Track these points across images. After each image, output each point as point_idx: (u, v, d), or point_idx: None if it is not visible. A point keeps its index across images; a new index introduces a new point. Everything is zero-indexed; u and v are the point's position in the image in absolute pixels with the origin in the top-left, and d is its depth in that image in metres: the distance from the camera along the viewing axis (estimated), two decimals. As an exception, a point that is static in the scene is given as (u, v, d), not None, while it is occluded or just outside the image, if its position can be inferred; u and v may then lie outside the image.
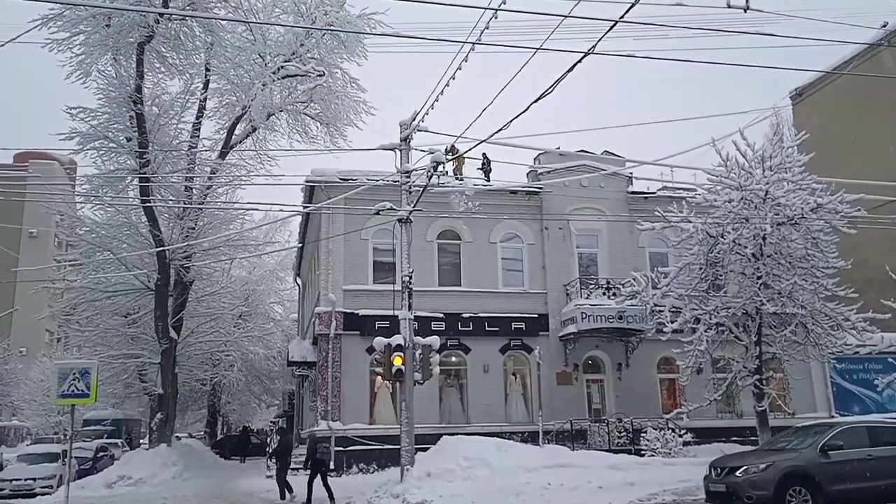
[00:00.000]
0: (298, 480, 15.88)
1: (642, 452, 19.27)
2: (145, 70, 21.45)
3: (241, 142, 23.85)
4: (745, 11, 8.89)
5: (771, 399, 17.37)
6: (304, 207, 23.23)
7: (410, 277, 15.48)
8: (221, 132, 23.78)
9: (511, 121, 10.94)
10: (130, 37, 20.69)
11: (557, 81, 9.21)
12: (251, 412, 47.06)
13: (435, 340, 15.49)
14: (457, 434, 17.46)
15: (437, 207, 20.86)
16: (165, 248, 21.61)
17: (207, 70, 22.88)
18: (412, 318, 15.33)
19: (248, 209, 24.91)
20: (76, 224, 27.01)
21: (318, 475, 15.05)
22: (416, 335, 15.26)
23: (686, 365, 17.71)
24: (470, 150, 15.97)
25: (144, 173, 20.95)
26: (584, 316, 21.53)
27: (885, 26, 24.77)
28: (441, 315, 21.76)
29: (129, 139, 21.50)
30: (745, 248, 16.21)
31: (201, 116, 23.26)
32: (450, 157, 17.32)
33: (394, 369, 14.48)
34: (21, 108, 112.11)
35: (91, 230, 24.89)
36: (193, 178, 22.74)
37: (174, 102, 22.28)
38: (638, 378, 22.80)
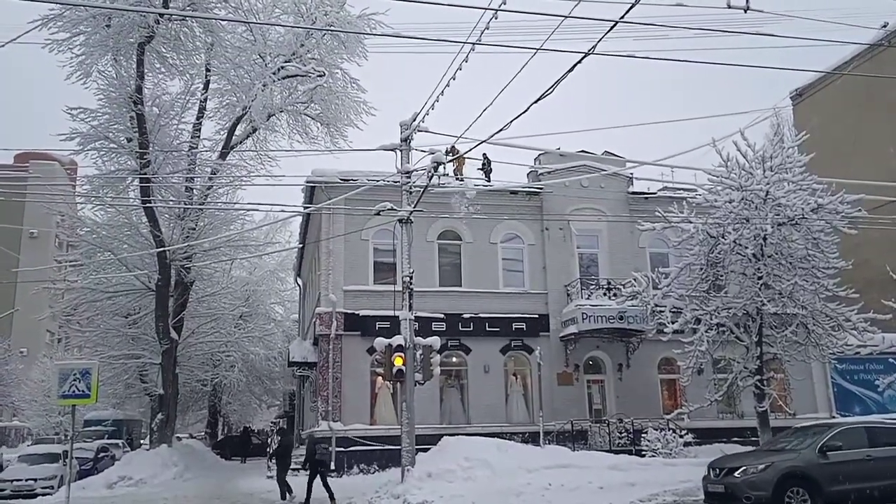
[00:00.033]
0: (299, 481, 15.88)
1: (643, 453, 19.26)
2: (146, 70, 21.46)
3: (241, 142, 23.86)
4: (746, 12, 8.89)
5: (772, 400, 17.36)
6: (305, 208, 23.24)
7: (411, 278, 15.48)
8: (222, 133, 23.81)
9: (511, 121, 10.94)
10: (131, 37, 20.70)
11: (558, 82, 9.21)
12: (252, 413, 47.10)
13: (436, 341, 15.49)
14: (457, 434, 17.47)
15: (437, 208, 20.85)
16: (166, 248, 21.62)
17: (208, 70, 22.89)
18: (413, 318, 15.33)
19: (248, 210, 24.90)
20: (77, 224, 27.04)
21: (318, 476, 15.05)
22: (416, 336, 15.26)
23: (687, 365, 17.70)
24: (470, 150, 15.99)
25: (145, 174, 20.96)
26: (584, 316, 21.52)
27: (885, 26, 24.77)
28: (442, 315, 21.76)
29: (129, 140, 21.50)
30: (746, 248, 16.21)
31: (202, 117, 23.27)
32: (450, 158, 17.31)
33: (394, 370, 14.48)
34: (21, 109, 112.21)
35: (92, 231, 24.90)
36: (194, 179, 22.75)
37: (174, 103, 22.29)
38: (639, 378, 22.79)
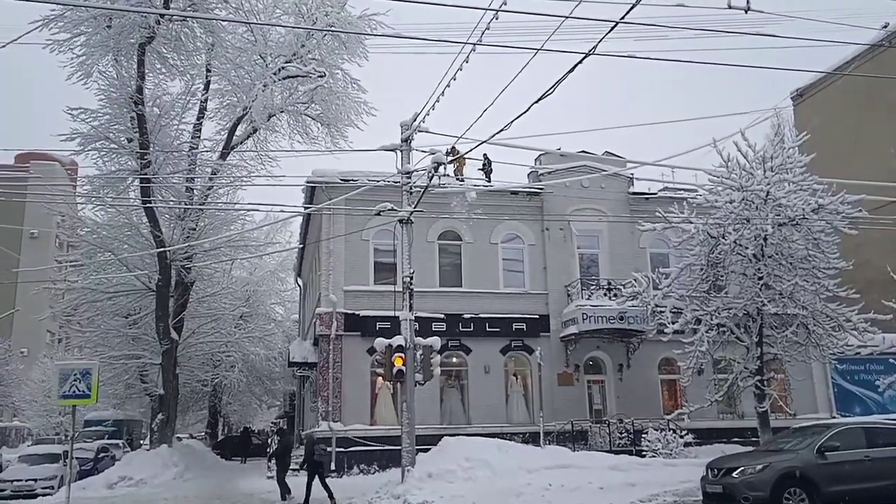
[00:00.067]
0: (298, 481, 15.87)
1: (643, 453, 19.26)
2: (146, 71, 21.48)
3: (241, 142, 23.87)
4: (746, 12, 8.88)
5: (772, 400, 17.35)
6: (305, 208, 23.25)
7: (411, 278, 15.47)
8: (222, 133, 23.82)
9: (512, 121, 10.94)
10: (131, 38, 20.72)
11: (558, 82, 9.22)
12: (252, 413, 47.12)
13: (436, 341, 15.48)
14: (458, 435, 17.45)
15: (437, 208, 20.85)
16: (166, 248, 21.64)
17: (208, 71, 22.90)
18: (413, 318, 15.32)
19: (248, 210, 24.92)
20: (77, 225, 27.04)
21: (317, 476, 15.05)
22: (416, 336, 15.24)
23: (687, 366, 17.70)
24: (471, 150, 16.01)
25: (145, 174, 20.97)
26: (585, 317, 21.52)
27: (885, 27, 24.78)
28: (442, 316, 21.76)
29: (130, 140, 21.51)
30: (747, 248, 16.20)
31: (202, 117, 23.28)
32: (451, 159, 17.32)
33: (395, 370, 14.48)
34: (22, 109, 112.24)
35: (92, 231, 24.91)
36: (194, 179, 22.77)
37: (175, 103, 22.32)
38: (639, 379, 22.79)
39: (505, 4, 8.51)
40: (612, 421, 21.56)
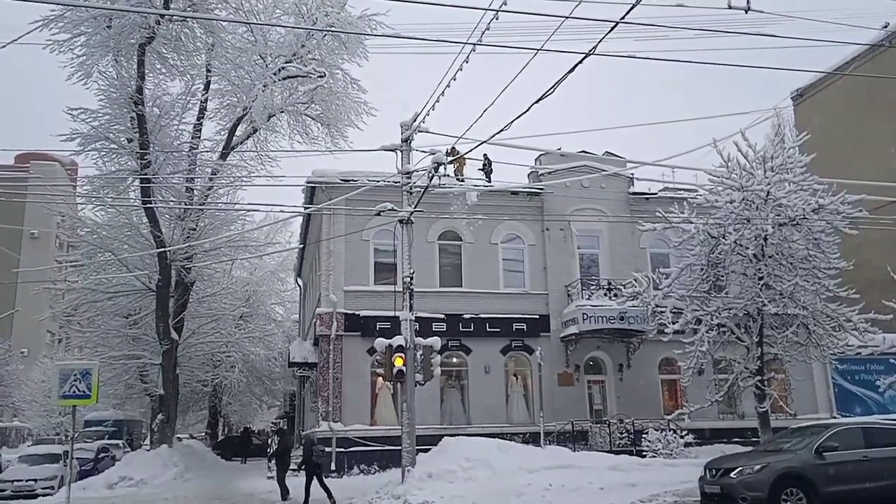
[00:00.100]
0: (298, 482, 15.86)
1: (643, 453, 19.25)
2: (146, 71, 21.48)
3: (242, 143, 23.86)
4: (746, 12, 8.87)
5: (772, 400, 17.35)
6: (305, 208, 23.25)
7: (411, 278, 15.47)
8: (222, 133, 23.82)
9: (512, 122, 10.94)
10: (131, 38, 20.72)
11: (558, 82, 9.22)
12: (252, 413, 47.13)
13: (436, 341, 15.47)
14: (458, 435, 17.44)
15: (438, 208, 20.86)
16: (166, 249, 21.64)
17: (208, 71, 22.89)
18: (413, 319, 15.32)
19: (249, 210, 24.93)
20: (77, 225, 27.04)
21: (315, 477, 15.04)
22: (417, 336, 15.24)
23: (687, 366, 17.70)
24: (471, 150, 16.01)
25: (145, 174, 20.97)
26: (585, 317, 21.51)
27: (886, 27, 24.77)
28: (442, 316, 21.75)
29: (130, 140, 21.51)
30: (747, 248, 16.20)
31: (202, 117, 23.28)
32: (451, 159, 17.32)
33: (395, 370, 14.48)
34: (22, 109, 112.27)
35: (92, 231, 24.91)
36: (194, 179, 22.76)
37: (175, 103, 22.32)
38: (639, 379, 22.78)
39: (505, 4, 8.51)
40: (612, 421, 21.54)
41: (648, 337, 21.34)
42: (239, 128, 23.36)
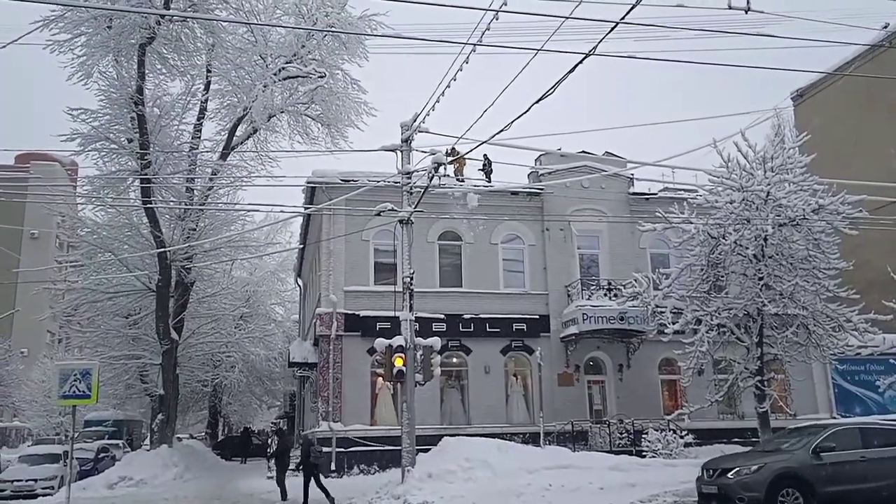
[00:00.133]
0: (298, 482, 15.86)
1: (643, 454, 19.24)
2: (146, 71, 21.49)
3: (242, 143, 23.87)
4: (747, 13, 8.88)
5: (772, 400, 17.36)
6: (306, 208, 23.25)
7: (411, 278, 15.47)
8: (222, 133, 23.82)
9: (512, 122, 10.95)
10: (132, 38, 20.73)
11: (558, 82, 9.22)
12: (252, 413, 47.14)
13: (436, 341, 15.48)
14: (458, 435, 17.44)
15: (438, 208, 20.88)
16: (166, 249, 21.65)
17: (209, 71, 22.90)
18: (413, 319, 15.33)
19: (249, 210, 24.94)
20: (77, 225, 27.05)
21: (312, 478, 15.04)
22: (417, 336, 15.24)
23: (687, 366, 17.70)
24: (471, 151, 16.03)
25: (146, 174, 20.98)
26: (585, 317, 21.51)
27: (886, 27, 24.76)
28: (442, 316, 21.75)
29: (130, 140, 21.52)
30: (747, 249, 16.20)
31: (202, 117, 23.28)
32: (451, 160, 17.33)
33: (395, 370, 14.48)
34: (22, 109, 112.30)
35: (92, 231, 24.92)
36: (194, 180, 22.77)
37: (175, 104, 22.34)
38: (639, 379, 22.78)
39: (505, 5, 8.52)
40: (612, 421, 21.54)
41: (648, 337, 21.34)
42: (239, 128, 23.36)
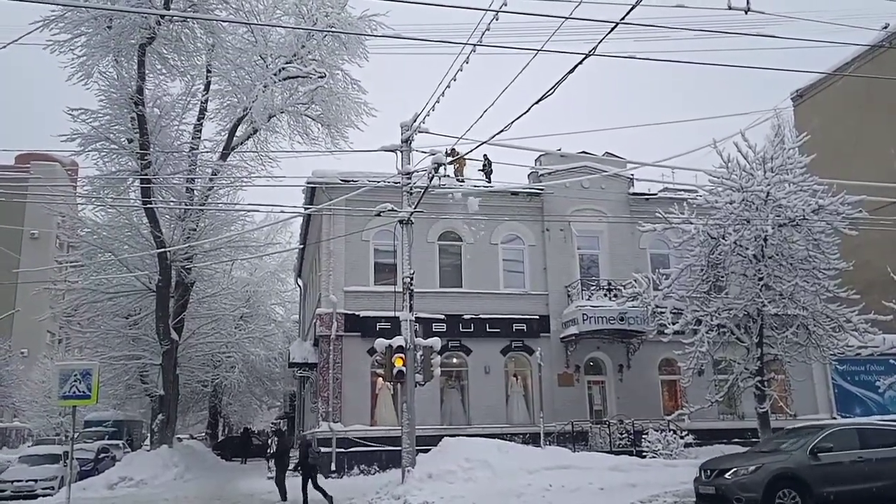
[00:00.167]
0: (295, 483, 15.86)
1: (643, 454, 19.24)
2: (147, 72, 21.49)
3: (242, 143, 23.88)
4: (746, 13, 8.89)
5: (772, 400, 17.36)
6: (306, 209, 23.25)
7: (411, 279, 15.48)
8: (223, 133, 23.82)
9: (512, 122, 10.96)
10: (132, 38, 20.74)
11: (558, 83, 9.23)
12: (252, 413, 47.14)
13: (436, 342, 15.48)
14: (458, 435, 17.45)
15: (438, 209, 20.87)
16: (167, 249, 21.64)
17: (209, 71, 22.91)
18: (413, 319, 15.34)
19: (249, 210, 24.93)
20: (77, 225, 27.04)
21: (309, 479, 15.04)
22: (417, 336, 15.26)
23: (687, 366, 17.71)
24: (471, 151, 16.04)
25: (146, 175, 20.98)
26: (585, 317, 21.51)
27: (886, 28, 24.76)
28: (442, 316, 21.75)
29: (130, 140, 21.52)
30: (747, 249, 16.21)
31: (202, 118, 23.28)
32: (451, 160, 17.33)
33: (395, 371, 14.49)
34: (22, 109, 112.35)
35: (92, 231, 24.91)
36: (195, 180, 22.77)
37: (175, 104, 22.34)
38: (639, 379, 22.78)
39: (505, 5, 8.52)
40: (612, 422, 21.54)
41: (648, 337, 21.34)
42: (239, 128, 23.37)
